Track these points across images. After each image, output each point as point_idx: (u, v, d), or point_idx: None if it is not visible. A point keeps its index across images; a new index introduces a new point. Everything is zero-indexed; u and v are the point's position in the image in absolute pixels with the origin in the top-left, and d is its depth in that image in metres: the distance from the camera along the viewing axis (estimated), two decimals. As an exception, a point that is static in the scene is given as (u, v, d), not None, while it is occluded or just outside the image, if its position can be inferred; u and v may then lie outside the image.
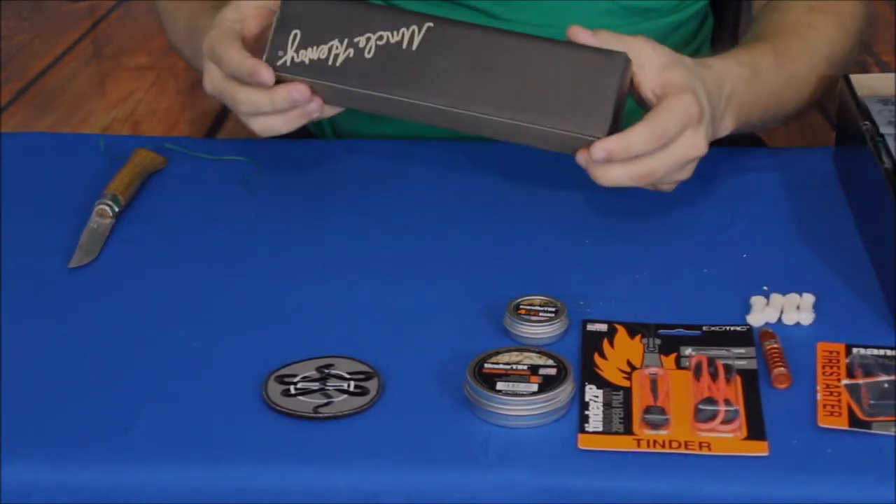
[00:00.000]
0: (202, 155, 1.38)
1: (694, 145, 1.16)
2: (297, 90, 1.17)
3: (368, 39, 1.15)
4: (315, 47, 1.16)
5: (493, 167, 1.36)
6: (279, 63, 1.16)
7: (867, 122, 1.25)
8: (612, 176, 1.14)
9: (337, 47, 1.15)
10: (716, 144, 1.51)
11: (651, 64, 1.16)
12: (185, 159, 1.39)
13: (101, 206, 1.27)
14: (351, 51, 1.15)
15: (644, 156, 1.14)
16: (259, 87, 1.17)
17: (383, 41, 1.15)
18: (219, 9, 1.23)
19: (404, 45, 1.15)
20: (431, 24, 1.15)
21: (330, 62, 1.16)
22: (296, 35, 1.16)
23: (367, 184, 1.35)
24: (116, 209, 1.28)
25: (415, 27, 1.15)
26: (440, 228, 1.27)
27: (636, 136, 1.13)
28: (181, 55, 1.45)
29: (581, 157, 1.15)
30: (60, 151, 1.42)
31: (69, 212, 1.29)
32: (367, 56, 1.15)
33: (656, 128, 1.13)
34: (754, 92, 1.26)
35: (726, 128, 1.24)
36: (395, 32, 1.15)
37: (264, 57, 1.17)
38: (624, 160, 1.13)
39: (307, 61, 1.16)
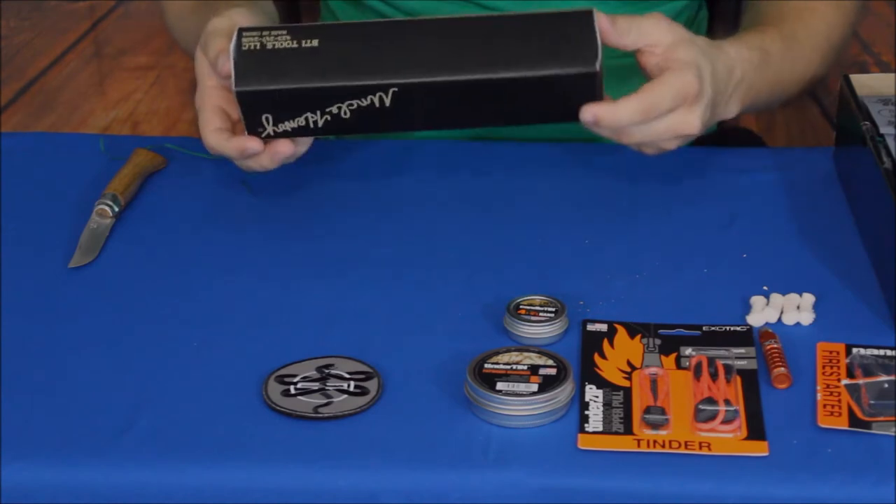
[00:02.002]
0: (202, 155, 1.38)
1: (685, 122, 1.16)
2: (284, 147, 1.17)
3: (340, 108, 1.15)
4: (291, 121, 1.16)
5: (493, 167, 1.36)
6: (263, 137, 1.16)
7: (867, 122, 1.25)
8: (597, 131, 1.15)
9: (312, 117, 1.15)
10: (715, 144, 1.51)
11: (662, 42, 1.16)
12: (185, 159, 1.38)
13: (101, 206, 1.27)
14: (328, 116, 1.15)
15: (631, 126, 1.15)
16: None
17: (355, 106, 1.15)
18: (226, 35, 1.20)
19: (377, 106, 1.14)
20: (396, 90, 1.14)
21: (311, 127, 1.16)
22: (267, 118, 1.16)
23: (367, 184, 1.34)
24: (116, 209, 1.28)
25: (381, 94, 1.14)
26: (440, 228, 1.27)
27: (625, 110, 1.13)
28: None
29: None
30: (60, 151, 1.42)
31: (69, 212, 1.29)
32: (346, 117, 1.15)
33: (648, 101, 1.14)
34: (762, 76, 1.27)
35: (732, 111, 1.25)
36: (363, 99, 1.14)
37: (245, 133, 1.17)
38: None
39: (290, 129, 1.16)
